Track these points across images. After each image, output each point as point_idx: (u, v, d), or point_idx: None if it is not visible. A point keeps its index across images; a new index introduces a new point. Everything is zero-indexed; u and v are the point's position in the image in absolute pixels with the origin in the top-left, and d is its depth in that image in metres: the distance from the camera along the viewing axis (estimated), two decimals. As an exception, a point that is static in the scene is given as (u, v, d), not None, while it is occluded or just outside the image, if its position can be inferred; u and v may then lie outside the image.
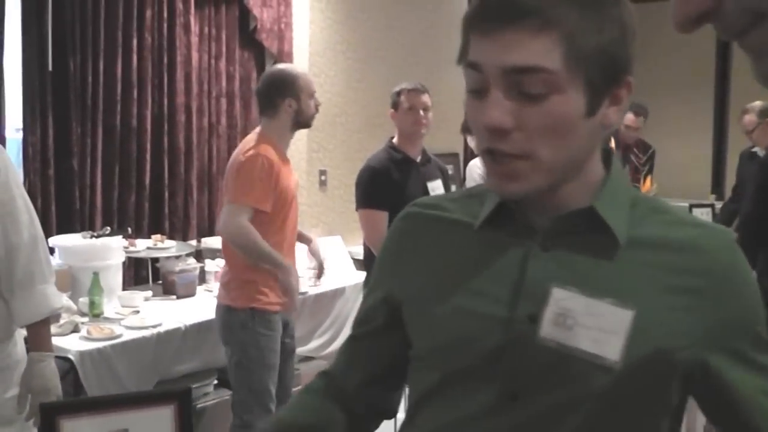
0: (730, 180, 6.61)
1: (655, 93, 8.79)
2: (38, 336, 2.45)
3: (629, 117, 6.19)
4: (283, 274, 3.45)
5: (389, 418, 1.35)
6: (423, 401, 1.18)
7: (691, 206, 6.49)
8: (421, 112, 3.95)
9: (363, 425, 1.34)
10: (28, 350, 2.47)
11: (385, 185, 3.88)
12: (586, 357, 1.03)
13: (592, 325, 1.03)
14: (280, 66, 3.97)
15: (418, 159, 4.03)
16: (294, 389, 4.47)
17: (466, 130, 5.87)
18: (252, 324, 3.53)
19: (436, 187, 4.04)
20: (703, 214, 6.44)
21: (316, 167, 5.89)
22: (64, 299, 2.55)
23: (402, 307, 1.20)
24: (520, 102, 1.00)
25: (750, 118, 5.87)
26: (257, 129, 3.70)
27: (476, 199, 1.18)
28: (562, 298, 1.05)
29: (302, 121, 3.66)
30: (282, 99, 3.58)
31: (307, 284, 4.34)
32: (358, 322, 1.31)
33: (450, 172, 7.22)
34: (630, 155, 6.25)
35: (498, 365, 1.07)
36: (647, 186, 5.26)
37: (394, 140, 4.03)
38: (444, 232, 1.19)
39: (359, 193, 3.96)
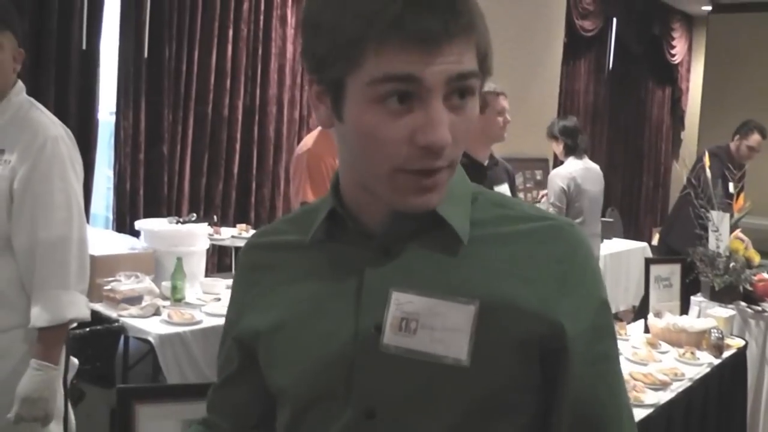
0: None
1: (752, 105, 8.54)
2: (42, 343, 2.19)
3: (756, 138, 5.86)
4: None
5: None
6: None
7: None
8: (507, 116, 3.85)
9: None
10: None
11: None
12: (432, 359, 0.98)
13: (437, 325, 0.99)
14: None
15: (486, 162, 3.92)
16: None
17: (551, 136, 5.73)
18: None
19: (503, 190, 3.92)
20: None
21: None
22: (84, 310, 2.25)
23: (253, 346, 1.13)
24: (452, 112, 0.95)
25: None
26: None
27: (311, 213, 1.11)
28: (403, 302, 1.00)
29: None
30: None
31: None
32: (218, 370, 1.24)
33: (538, 177, 7.15)
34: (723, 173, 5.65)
35: (352, 385, 1.02)
36: (740, 203, 5.00)
37: None
38: (281, 257, 1.13)
39: None
